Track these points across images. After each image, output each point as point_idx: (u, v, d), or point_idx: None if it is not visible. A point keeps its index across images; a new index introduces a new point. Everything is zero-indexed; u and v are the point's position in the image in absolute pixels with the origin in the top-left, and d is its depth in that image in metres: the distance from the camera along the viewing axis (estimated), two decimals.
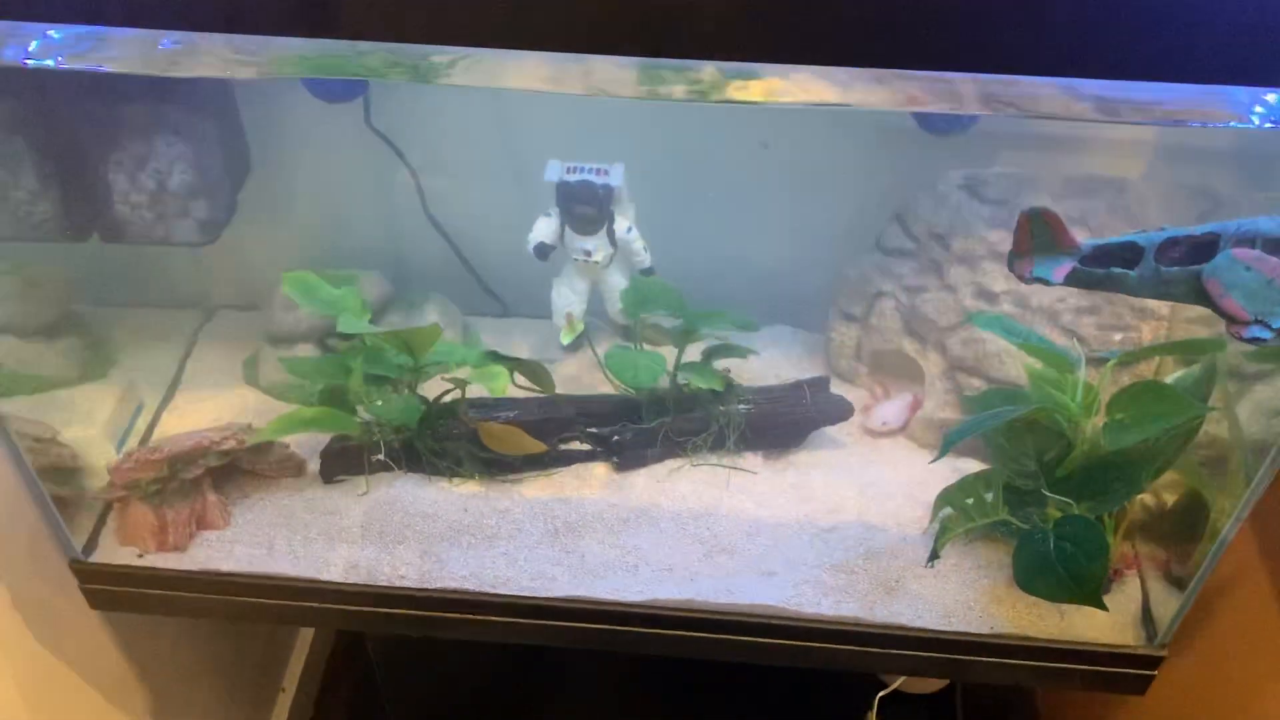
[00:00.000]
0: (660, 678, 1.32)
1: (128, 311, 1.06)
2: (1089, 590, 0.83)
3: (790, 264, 1.04)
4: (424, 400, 0.91)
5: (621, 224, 0.96)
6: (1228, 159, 0.93)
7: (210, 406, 1.01)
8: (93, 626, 1.06)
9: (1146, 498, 0.91)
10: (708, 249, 1.03)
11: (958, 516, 0.84)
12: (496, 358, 0.86)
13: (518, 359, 0.87)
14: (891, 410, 0.97)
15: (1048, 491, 0.81)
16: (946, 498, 0.85)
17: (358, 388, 0.87)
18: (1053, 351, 0.80)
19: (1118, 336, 0.88)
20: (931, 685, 1.71)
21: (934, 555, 0.85)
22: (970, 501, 0.84)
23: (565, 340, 0.95)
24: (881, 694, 1.28)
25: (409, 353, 0.83)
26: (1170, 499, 0.91)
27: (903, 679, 1.41)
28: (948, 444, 0.77)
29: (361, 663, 1.73)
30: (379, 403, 0.86)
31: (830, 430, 0.97)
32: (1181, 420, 0.77)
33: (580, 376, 1.02)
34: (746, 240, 1.04)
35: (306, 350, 0.98)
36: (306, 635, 1.70)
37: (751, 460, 0.96)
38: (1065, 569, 0.82)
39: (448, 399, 0.91)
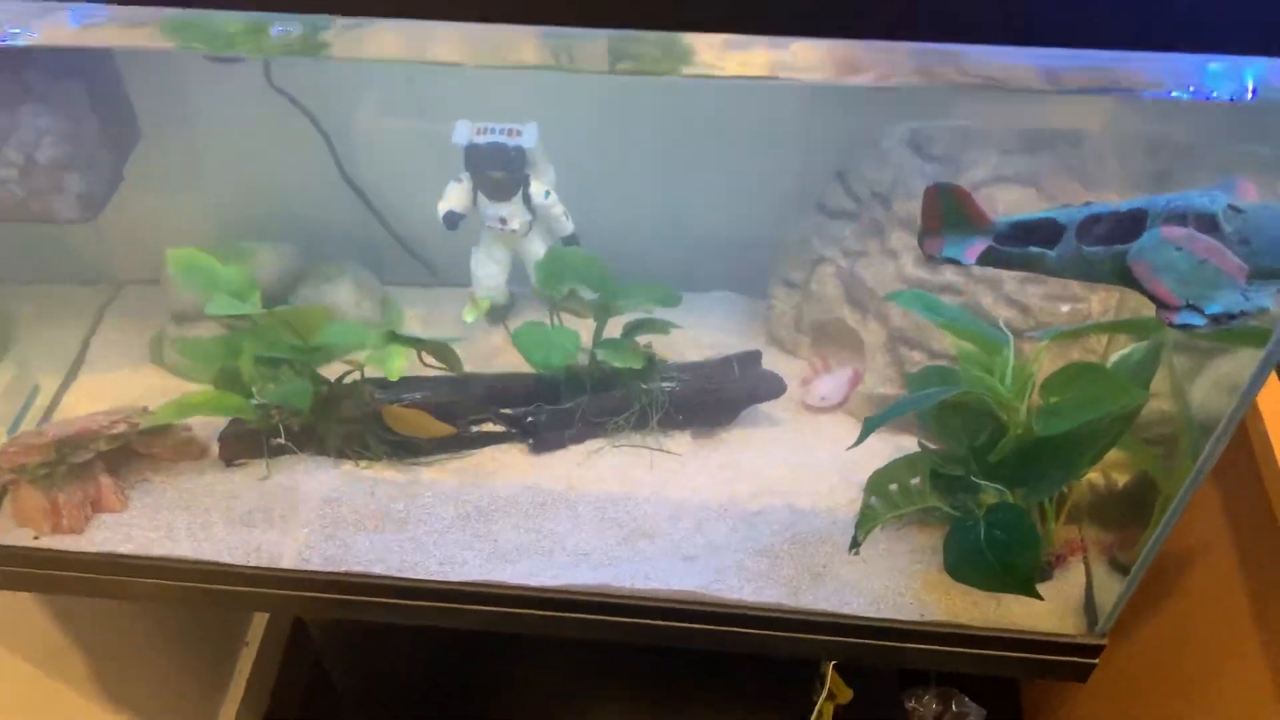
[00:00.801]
0: (615, 650, 1.29)
1: (28, 289, 1.01)
2: (1021, 580, 0.78)
3: (731, 226, 0.98)
4: (325, 382, 0.86)
5: (538, 188, 0.90)
6: (1196, 108, 0.85)
7: (115, 387, 0.96)
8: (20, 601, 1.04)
9: (1095, 477, 0.85)
10: (642, 214, 0.96)
11: (881, 504, 0.79)
12: (396, 338, 0.81)
13: (420, 339, 0.82)
14: (830, 385, 0.91)
15: (978, 477, 0.76)
16: (873, 483, 0.80)
17: (249, 370, 0.82)
18: (979, 332, 0.73)
19: (1065, 308, 0.81)
20: None
21: (855, 544, 0.80)
22: (895, 488, 0.79)
23: (468, 318, 0.89)
24: (836, 661, 1.25)
25: (296, 335, 0.78)
26: (1121, 478, 0.85)
27: None
28: (868, 429, 0.71)
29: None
30: (270, 386, 0.81)
31: (766, 407, 0.91)
32: (1120, 405, 0.71)
33: (506, 351, 0.96)
34: (684, 203, 0.98)
35: (211, 328, 0.93)
36: None
37: (679, 440, 0.90)
38: (996, 558, 0.77)
39: (349, 380, 0.86)
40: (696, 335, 0.93)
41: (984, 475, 0.76)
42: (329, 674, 1.67)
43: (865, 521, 0.79)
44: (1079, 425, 0.71)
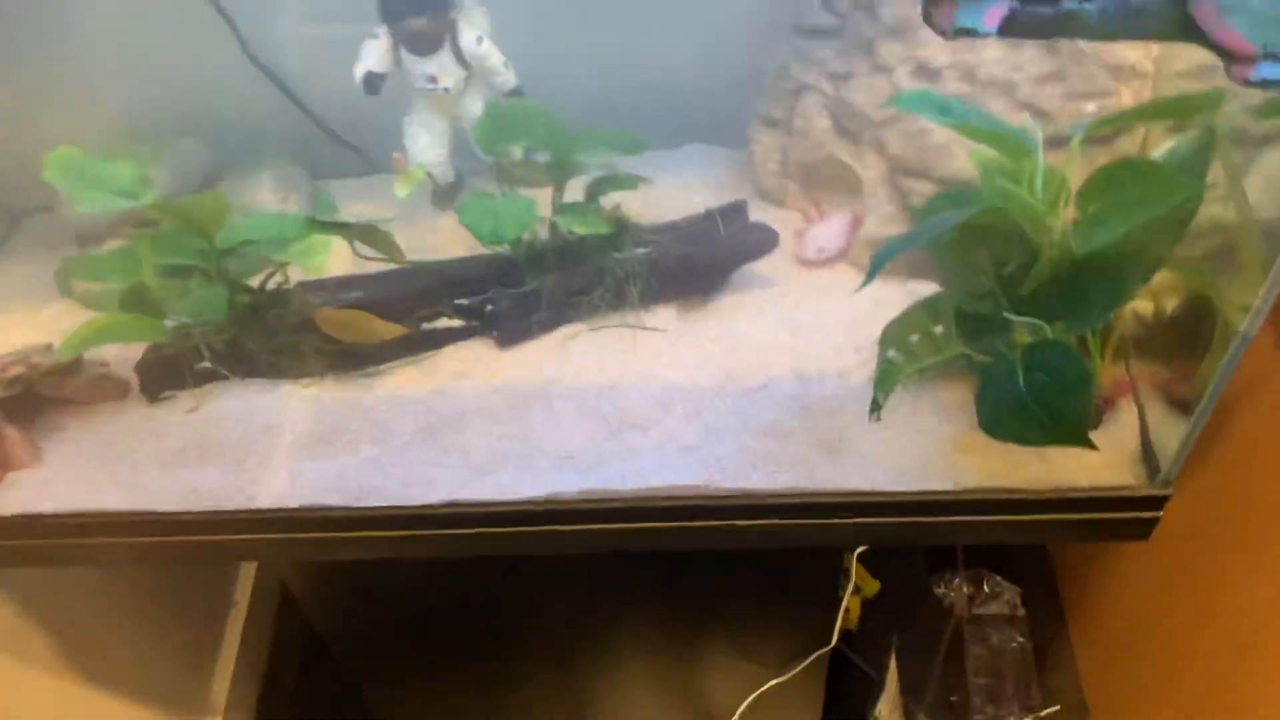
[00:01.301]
0: (619, 564, 1.20)
1: None
2: (1071, 428, 0.67)
3: (696, 65, 0.85)
4: (246, 290, 0.74)
5: (469, 36, 0.77)
6: None
7: (20, 326, 0.84)
8: None
9: (1140, 305, 0.74)
10: (594, 60, 0.84)
11: (901, 358, 0.68)
12: (318, 224, 0.69)
13: (346, 223, 0.70)
14: (827, 234, 0.79)
15: (1011, 314, 0.65)
16: (888, 336, 0.69)
17: (153, 283, 0.70)
18: (1000, 132, 0.61)
19: (1090, 106, 0.69)
20: None
21: (875, 407, 0.69)
22: (915, 339, 0.68)
23: (401, 193, 0.77)
24: (861, 545, 1.15)
25: (197, 231, 0.66)
26: (1170, 304, 0.74)
27: None
28: (876, 265, 0.60)
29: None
30: (184, 302, 0.69)
31: (756, 267, 0.80)
32: (1170, 205, 0.59)
33: (459, 242, 0.84)
34: (640, 42, 0.85)
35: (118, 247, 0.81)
36: None
37: (663, 315, 0.79)
38: (1040, 406, 0.66)
39: (274, 285, 0.74)
40: (671, 196, 0.81)
41: (1016, 310, 0.65)
42: (321, 627, 1.59)
43: (884, 380, 0.68)
44: (1125, 235, 0.60)
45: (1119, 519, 0.75)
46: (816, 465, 0.73)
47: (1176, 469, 0.72)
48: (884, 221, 0.77)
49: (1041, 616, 1.52)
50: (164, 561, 0.80)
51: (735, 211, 0.77)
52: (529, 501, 0.75)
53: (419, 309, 0.76)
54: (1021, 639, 1.49)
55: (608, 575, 1.33)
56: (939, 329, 0.68)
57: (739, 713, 1.23)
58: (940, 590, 1.54)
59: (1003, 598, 1.52)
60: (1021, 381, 0.66)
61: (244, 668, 1.51)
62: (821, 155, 0.79)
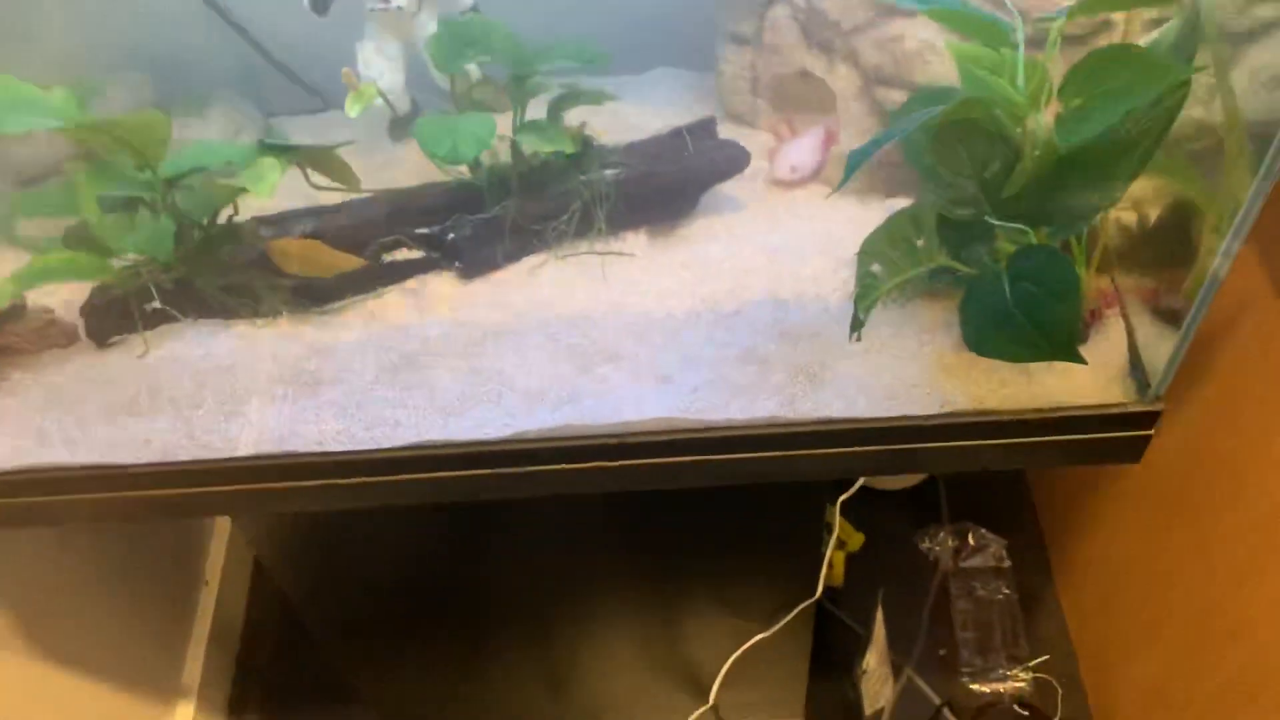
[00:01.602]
0: (596, 518, 1.16)
1: None
2: (1060, 340, 0.64)
3: None
4: (195, 225, 0.70)
5: None
6: None
7: None
8: None
9: (1124, 215, 0.72)
10: None
11: (882, 269, 0.65)
12: (267, 149, 0.65)
13: (297, 146, 0.66)
14: (800, 151, 0.76)
15: (994, 218, 0.62)
16: (868, 249, 0.66)
17: (96, 217, 0.66)
18: (976, 17, 0.58)
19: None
20: (910, 479, 1.57)
21: (856, 325, 0.66)
22: (897, 251, 0.65)
23: (353, 111, 0.72)
24: (843, 497, 1.13)
25: (138, 155, 0.62)
26: (1154, 214, 0.72)
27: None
28: (852, 165, 0.57)
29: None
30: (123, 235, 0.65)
31: (727, 188, 0.77)
32: (1159, 91, 0.57)
33: (423, 171, 0.81)
34: None
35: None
36: (224, 522, 1.56)
37: (632, 242, 0.76)
38: (1027, 317, 0.64)
39: (224, 219, 0.71)
40: (637, 120, 0.78)
41: (1000, 216, 0.62)
42: (295, 604, 1.55)
43: (865, 295, 0.65)
44: (1111, 127, 0.58)
45: (1110, 439, 0.72)
46: (797, 393, 0.70)
47: (1166, 383, 0.69)
48: (860, 136, 0.74)
49: (1027, 568, 1.51)
50: (118, 518, 0.77)
51: (704, 129, 0.74)
52: (499, 441, 0.72)
53: (377, 239, 0.72)
54: (1008, 591, 1.48)
55: (586, 537, 1.29)
56: (920, 241, 0.65)
57: (725, 668, 1.21)
58: (925, 545, 1.53)
59: (988, 550, 1.50)
60: (1007, 292, 0.63)
61: (216, 648, 1.48)
62: (792, 70, 0.76)
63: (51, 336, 0.74)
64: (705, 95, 0.83)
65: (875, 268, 0.66)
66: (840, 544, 1.45)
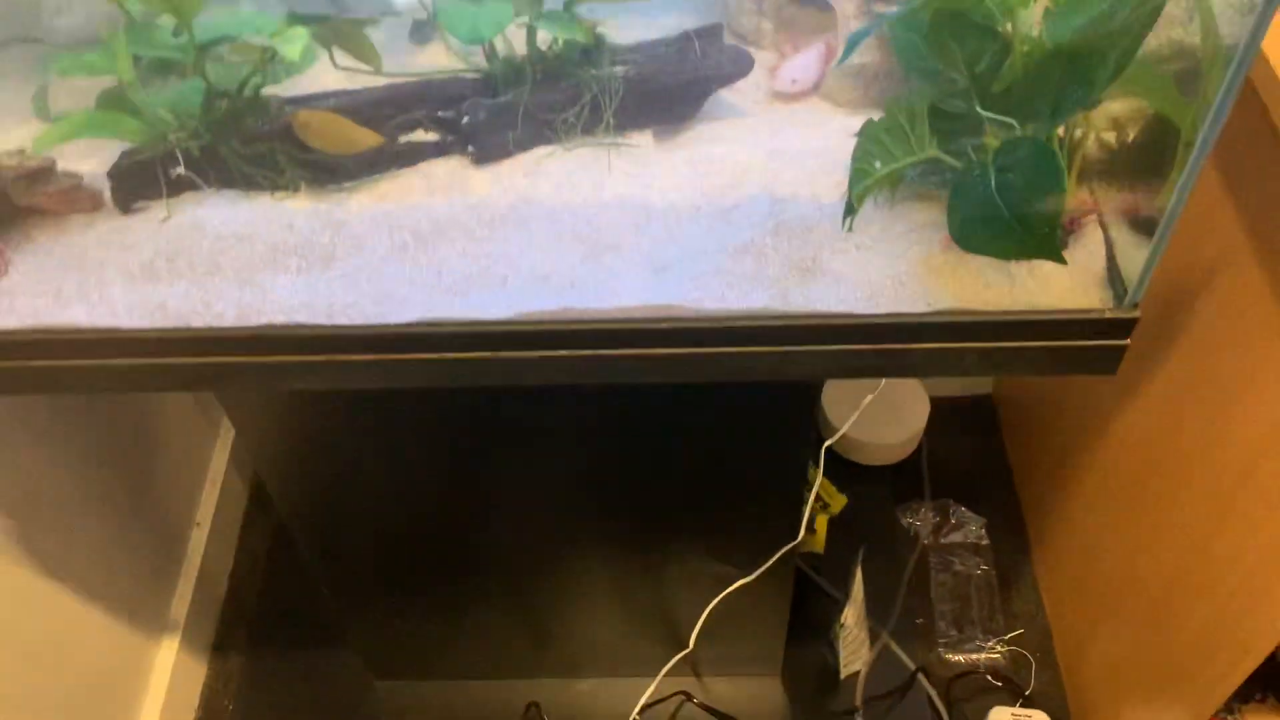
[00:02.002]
0: (587, 476, 1.18)
1: None
2: (1041, 234, 0.68)
3: None
4: (224, 94, 0.74)
5: None
6: None
7: None
8: None
9: (1105, 133, 0.76)
10: None
11: (876, 155, 0.69)
12: (296, 18, 0.69)
13: (327, 16, 0.70)
14: (802, 65, 0.80)
15: (983, 110, 0.66)
16: (866, 134, 0.69)
17: (128, 76, 0.70)
18: None
19: None
20: (894, 455, 1.60)
21: (849, 210, 0.70)
22: (892, 138, 0.69)
23: None
24: (828, 442, 1.16)
25: (174, 13, 0.66)
26: (1134, 133, 0.75)
27: (843, 431, 1.29)
28: (852, 43, 0.61)
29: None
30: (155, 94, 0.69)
31: (730, 98, 0.81)
32: None
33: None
34: None
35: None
36: (219, 467, 1.58)
37: (638, 139, 0.79)
38: (1011, 210, 0.67)
39: (250, 89, 0.74)
40: (644, 34, 0.82)
41: (989, 110, 0.66)
42: (282, 552, 1.57)
43: (858, 179, 0.69)
44: (1095, 24, 0.61)
45: (1087, 347, 0.75)
46: (790, 286, 0.73)
47: (1142, 290, 0.73)
48: (858, 51, 0.77)
49: (1006, 547, 1.54)
50: (127, 387, 0.79)
51: (711, 35, 0.78)
52: (503, 322, 0.75)
53: (396, 118, 0.76)
54: (986, 567, 1.51)
55: (572, 490, 1.32)
56: (914, 131, 0.68)
57: (704, 614, 1.23)
58: (907, 520, 1.56)
59: (968, 528, 1.53)
60: (993, 184, 0.67)
61: (203, 589, 1.50)
62: None
63: (78, 201, 0.77)
64: (709, 13, 0.86)
65: (871, 148, 0.69)
66: (823, 506, 1.48)
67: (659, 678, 1.29)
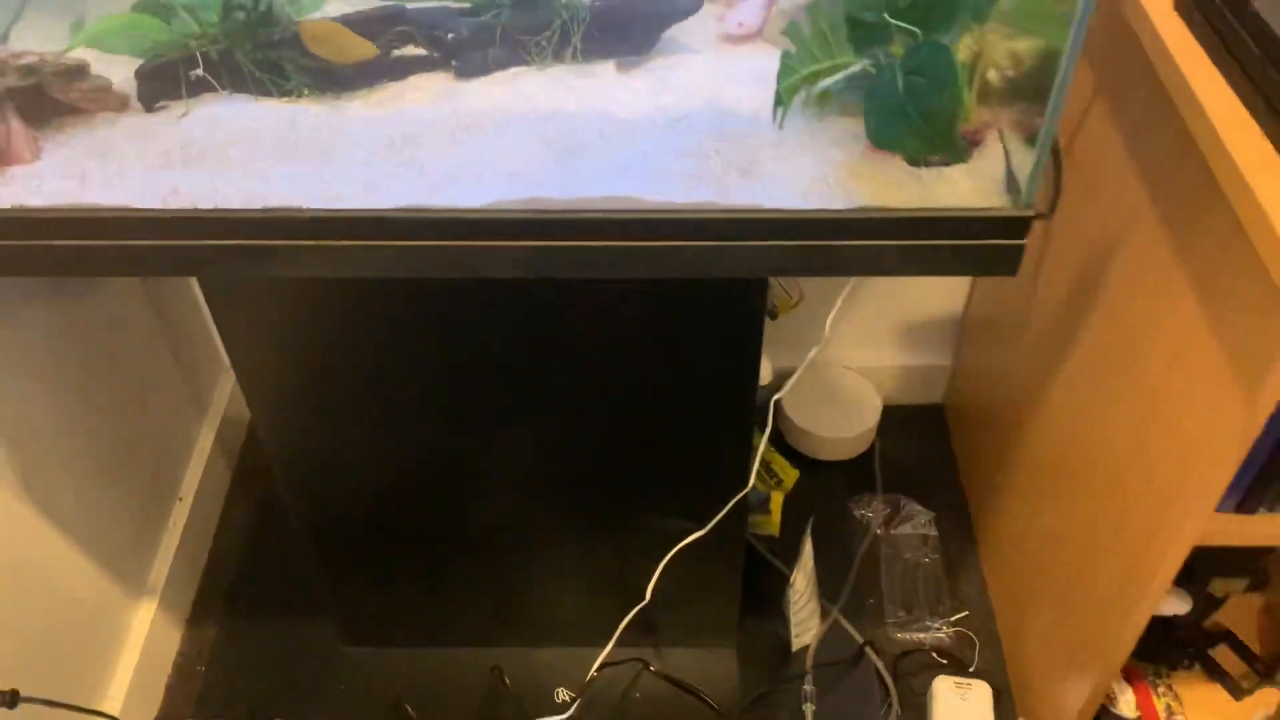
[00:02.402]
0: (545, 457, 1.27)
1: None
2: (942, 129, 0.79)
3: None
4: (241, 6, 0.85)
5: None
6: None
7: None
8: None
9: (1005, 66, 0.87)
10: None
11: (799, 53, 0.80)
12: None
13: None
14: (747, 10, 0.92)
15: (891, 19, 0.77)
16: (790, 32, 0.81)
17: None
18: None
19: None
20: (847, 451, 1.68)
21: (779, 102, 0.81)
22: (813, 38, 0.80)
23: None
24: (777, 396, 1.24)
25: None
26: (1028, 62, 0.87)
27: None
28: None
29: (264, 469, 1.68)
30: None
31: (685, 37, 0.92)
32: None
33: None
34: None
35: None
36: (205, 445, 1.65)
37: (602, 69, 0.91)
38: (917, 109, 0.79)
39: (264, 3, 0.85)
40: None
41: (898, 19, 0.78)
42: (270, 530, 1.63)
43: (785, 75, 0.80)
44: None
45: (990, 246, 0.86)
46: (730, 184, 0.84)
47: (1034, 191, 0.83)
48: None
49: (953, 538, 1.62)
50: (139, 270, 0.88)
51: None
52: (478, 210, 0.85)
53: (389, 30, 0.87)
54: (934, 556, 1.58)
55: (536, 464, 1.40)
56: (833, 35, 0.80)
57: (661, 566, 1.30)
58: (859, 512, 1.63)
59: (917, 519, 1.61)
60: (900, 85, 0.78)
61: (183, 559, 1.55)
62: None
63: (107, 101, 0.87)
64: None
65: (793, 50, 0.80)
66: (777, 482, 1.56)
67: (618, 632, 1.34)
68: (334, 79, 0.87)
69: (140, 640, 1.43)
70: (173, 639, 1.50)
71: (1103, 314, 1.18)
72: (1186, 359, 0.99)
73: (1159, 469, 1.05)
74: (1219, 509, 1.02)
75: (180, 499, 1.57)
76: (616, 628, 1.37)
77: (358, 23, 0.86)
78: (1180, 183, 0.99)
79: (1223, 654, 1.34)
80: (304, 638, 1.50)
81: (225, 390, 1.74)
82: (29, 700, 1.14)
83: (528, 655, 1.47)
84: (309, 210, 0.85)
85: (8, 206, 0.85)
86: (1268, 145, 0.85)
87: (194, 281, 1.63)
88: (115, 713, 1.35)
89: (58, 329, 1.29)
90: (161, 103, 0.87)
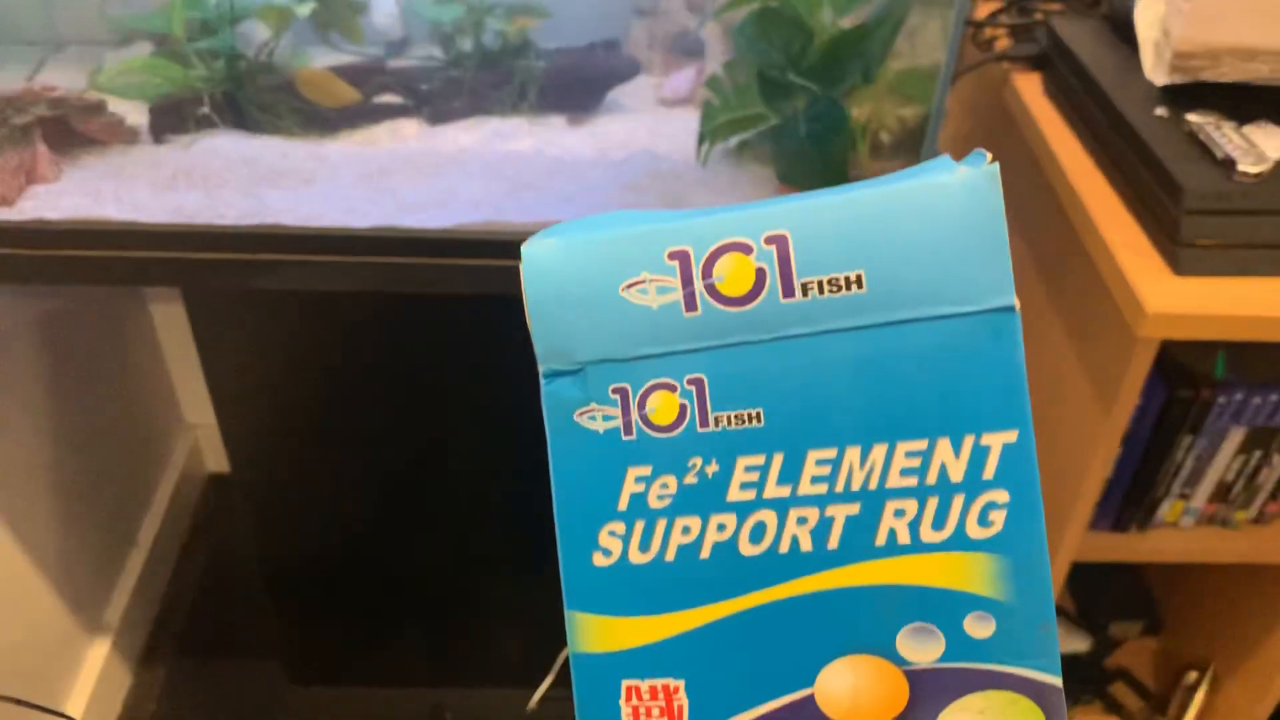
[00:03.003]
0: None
1: None
2: (837, 167, 0.94)
3: None
4: (242, 57, 0.99)
5: None
6: None
7: None
8: None
9: (890, 125, 1.03)
10: None
11: (719, 102, 0.95)
12: None
13: None
14: (680, 80, 1.08)
15: (795, 78, 0.93)
16: (711, 84, 0.96)
17: (179, 31, 0.95)
18: None
19: None
20: None
21: (701, 139, 0.96)
22: (730, 88, 0.96)
23: None
24: None
25: None
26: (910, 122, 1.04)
27: None
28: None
29: (223, 512, 1.75)
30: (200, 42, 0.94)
31: (627, 100, 1.08)
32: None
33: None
34: None
35: (146, 50, 1.06)
36: (163, 495, 1.72)
37: (555, 120, 1.06)
38: (816, 151, 0.94)
39: (265, 53, 1.00)
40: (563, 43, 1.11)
41: (801, 78, 0.94)
42: (222, 580, 1.69)
43: (707, 120, 0.96)
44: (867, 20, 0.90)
45: None
46: None
47: None
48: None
49: None
50: (143, 280, 0.99)
51: (610, 45, 1.07)
52: (443, 230, 0.98)
53: (373, 82, 1.02)
54: None
55: (483, 514, 1.50)
56: (746, 86, 0.96)
57: None
58: None
59: None
60: (804, 132, 0.94)
61: (139, 603, 1.61)
62: (677, 29, 1.09)
63: (121, 133, 1.00)
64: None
65: (714, 99, 0.96)
66: None
67: (554, 669, 1.42)
68: (321, 119, 1.01)
69: (93, 677, 1.48)
70: (124, 678, 1.55)
71: None
72: (1061, 389, 1.13)
73: (1044, 492, 1.18)
74: (1094, 527, 1.15)
75: (137, 545, 1.63)
76: (555, 664, 1.45)
77: (345, 72, 1.01)
78: (1051, 238, 1.15)
79: (1120, 691, 1.44)
80: (252, 678, 1.55)
81: (184, 447, 1.82)
82: None
83: (469, 694, 1.53)
84: (294, 228, 0.97)
85: (30, 219, 0.96)
86: (1116, 200, 1.01)
87: (160, 333, 1.73)
88: None
89: (39, 373, 1.38)
90: (169, 136, 1.01)
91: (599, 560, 0.32)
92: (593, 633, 0.32)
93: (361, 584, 1.44)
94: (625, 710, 0.32)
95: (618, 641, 0.32)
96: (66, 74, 1.11)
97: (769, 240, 0.30)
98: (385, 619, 1.49)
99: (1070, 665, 1.44)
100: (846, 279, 0.30)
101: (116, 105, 1.01)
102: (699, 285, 0.30)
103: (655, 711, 0.31)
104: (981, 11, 1.27)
